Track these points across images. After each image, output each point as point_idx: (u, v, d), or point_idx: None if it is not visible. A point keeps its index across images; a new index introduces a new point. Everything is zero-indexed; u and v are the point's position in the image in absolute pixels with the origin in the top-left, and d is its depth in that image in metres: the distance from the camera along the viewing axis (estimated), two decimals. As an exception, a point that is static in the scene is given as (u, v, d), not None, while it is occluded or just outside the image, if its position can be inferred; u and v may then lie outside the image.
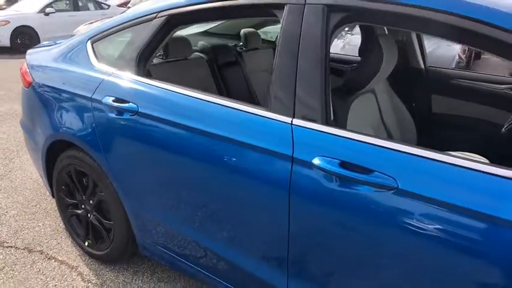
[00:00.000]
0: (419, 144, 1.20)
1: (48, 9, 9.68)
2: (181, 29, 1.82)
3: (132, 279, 2.06)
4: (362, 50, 1.89)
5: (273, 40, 2.98)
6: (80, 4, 10.55)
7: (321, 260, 1.28)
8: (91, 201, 2.07)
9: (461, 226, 1.00)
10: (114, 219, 1.97)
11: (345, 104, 1.48)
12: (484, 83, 2.25)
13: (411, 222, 1.06)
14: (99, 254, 2.13)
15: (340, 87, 1.57)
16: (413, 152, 1.08)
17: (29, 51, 2.48)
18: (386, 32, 1.99)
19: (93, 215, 2.09)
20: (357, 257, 1.19)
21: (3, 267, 2.10)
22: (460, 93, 2.29)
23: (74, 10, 10.29)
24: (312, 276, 1.33)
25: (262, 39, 3.00)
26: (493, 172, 0.99)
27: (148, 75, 1.85)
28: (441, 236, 1.02)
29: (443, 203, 1.02)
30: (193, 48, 2.43)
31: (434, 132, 2.33)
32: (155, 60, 2.16)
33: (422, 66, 2.41)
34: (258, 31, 3.03)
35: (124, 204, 1.87)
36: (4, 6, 10.72)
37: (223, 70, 2.45)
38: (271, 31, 3.10)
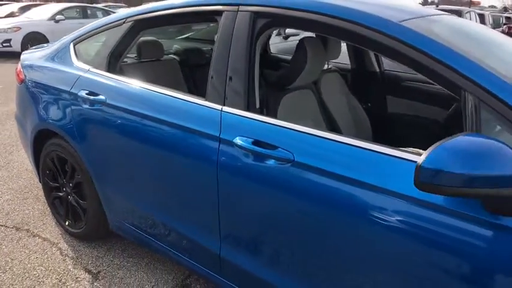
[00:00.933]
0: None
1: (58, 17, 10.15)
2: (147, 32, 2.09)
3: (104, 254, 2.31)
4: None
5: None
6: (89, 12, 11.02)
7: (244, 223, 1.51)
8: (70, 184, 2.33)
9: (345, 194, 1.22)
10: (88, 200, 2.23)
11: (276, 96, 1.72)
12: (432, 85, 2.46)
13: (305, 189, 1.29)
14: (77, 232, 2.39)
15: (273, 82, 1.81)
16: (307, 132, 1.32)
17: (24, 52, 2.78)
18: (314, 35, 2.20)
19: (72, 196, 2.35)
20: (269, 218, 1.42)
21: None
22: (412, 94, 2.50)
23: (83, 18, 10.74)
24: (238, 237, 1.56)
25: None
26: (374, 149, 1.21)
27: (120, 72, 2.12)
28: (329, 201, 1.25)
29: (330, 173, 1.25)
30: (169, 51, 2.70)
31: (389, 131, 2.54)
32: (129, 61, 2.44)
33: (378, 70, 2.64)
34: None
35: (96, 186, 2.13)
36: (17, 14, 11.23)
37: (195, 71, 2.71)
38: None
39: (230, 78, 1.55)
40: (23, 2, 24.43)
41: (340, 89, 2.40)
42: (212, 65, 1.61)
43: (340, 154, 1.24)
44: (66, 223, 2.45)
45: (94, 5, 13.97)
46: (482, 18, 11.81)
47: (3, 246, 2.34)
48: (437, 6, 9.83)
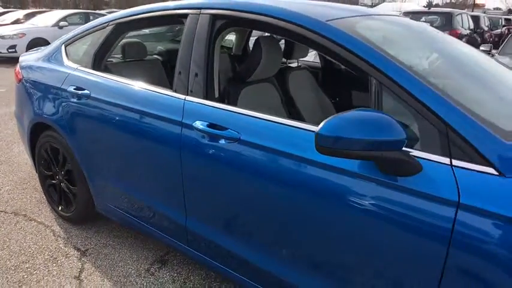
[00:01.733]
0: None
1: (62, 23, 10.50)
2: (127, 34, 2.34)
3: (93, 235, 2.56)
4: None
5: (230, 46, 3.48)
6: (92, 18, 11.34)
7: (203, 196, 1.75)
8: (62, 172, 2.59)
9: (277, 164, 1.45)
10: (77, 186, 2.48)
11: (236, 88, 1.95)
12: None
13: (249, 162, 1.53)
14: (68, 215, 2.64)
15: (234, 76, 2.05)
16: (251, 115, 1.56)
17: (22, 54, 3.05)
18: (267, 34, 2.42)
19: (64, 183, 2.60)
20: (223, 190, 1.65)
21: (-7, 225, 2.63)
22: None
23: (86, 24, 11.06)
24: (199, 209, 1.80)
25: (222, 46, 3.51)
26: (296, 125, 1.45)
27: (105, 70, 2.37)
28: (267, 170, 1.48)
29: (268, 148, 1.48)
30: (154, 52, 2.96)
31: None
32: (115, 60, 2.69)
33: (343, 67, 2.87)
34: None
35: (84, 172, 2.37)
36: (22, 20, 11.61)
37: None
38: (228, 39, 3.60)
39: (193, 72, 1.79)
40: (29, 8, 25.01)
41: (309, 85, 2.64)
42: (178, 61, 1.86)
43: (274, 131, 1.47)
44: (59, 208, 2.70)
45: (97, 11, 14.35)
46: (476, 20, 11.99)
47: (2, 229, 2.60)
48: (429, 8, 10.04)
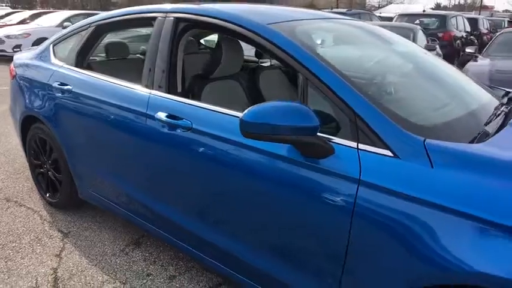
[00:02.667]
0: None
1: (66, 23, 10.77)
2: (107, 34, 2.56)
3: (76, 219, 2.77)
4: None
5: (213, 47, 3.69)
6: (95, 19, 11.63)
7: (164, 179, 1.95)
8: (49, 161, 2.81)
9: (223, 149, 1.65)
10: (62, 173, 2.70)
11: (200, 84, 2.15)
12: None
13: (200, 148, 1.73)
14: (55, 201, 2.86)
15: (198, 74, 2.26)
16: (202, 106, 1.76)
17: (16, 53, 3.29)
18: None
19: (51, 171, 2.83)
20: (180, 173, 1.86)
21: (-14, 209, 2.86)
22: None
23: (89, 24, 11.34)
24: (162, 191, 2.00)
25: (205, 46, 3.73)
26: (233, 114, 1.65)
27: (88, 68, 2.59)
28: (214, 154, 1.68)
29: (213, 135, 1.68)
30: (138, 51, 3.17)
31: None
32: (98, 58, 2.92)
33: None
34: (203, 39, 3.78)
35: (67, 160, 2.59)
36: (28, 21, 11.94)
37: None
38: (211, 39, 3.80)
39: (158, 69, 2.00)
40: (37, 9, 25.49)
41: (280, 84, 2.83)
42: (146, 59, 2.07)
43: (218, 120, 1.68)
44: (47, 195, 2.93)
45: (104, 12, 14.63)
46: (474, 23, 12.09)
47: (-6, 213, 2.83)
48: (424, 11, 10.19)
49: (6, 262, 2.29)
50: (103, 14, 2.50)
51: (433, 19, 9.13)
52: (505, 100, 1.88)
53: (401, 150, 1.28)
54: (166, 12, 2.06)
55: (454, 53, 8.59)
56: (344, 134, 1.40)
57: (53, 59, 2.71)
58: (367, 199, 1.29)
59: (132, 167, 2.12)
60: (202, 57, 3.55)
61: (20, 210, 2.89)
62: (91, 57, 2.74)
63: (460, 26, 9.85)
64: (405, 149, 1.28)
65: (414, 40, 6.44)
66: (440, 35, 8.86)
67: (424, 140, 1.28)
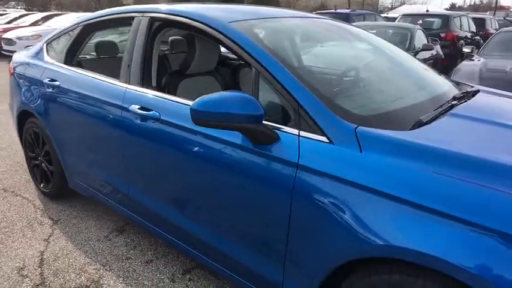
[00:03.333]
0: None
1: (75, 25, 11.07)
2: (94, 33, 2.72)
3: (66, 208, 2.94)
4: None
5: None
6: (104, 20, 11.91)
7: (137, 166, 2.09)
8: (42, 153, 2.98)
9: (184, 137, 1.78)
10: (53, 165, 2.87)
11: (176, 80, 2.29)
12: None
13: (167, 137, 1.86)
14: (48, 191, 3.03)
15: (175, 70, 2.39)
16: (169, 99, 1.90)
17: (16, 52, 3.48)
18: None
19: (44, 163, 3.00)
20: (151, 161, 1.99)
21: (-16, 198, 3.05)
22: None
23: (98, 26, 11.63)
24: (135, 178, 2.14)
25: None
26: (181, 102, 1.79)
27: (78, 65, 2.75)
28: (177, 142, 1.81)
29: (179, 125, 1.81)
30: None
31: None
32: (89, 56, 3.08)
33: None
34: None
35: (57, 152, 2.76)
36: (40, 22, 12.28)
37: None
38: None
39: (134, 65, 2.14)
40: (51, 11, 26.06)
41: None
42: (124, 55, 2.22)
43: (181, 110, 1.81)
44: (41, 185, 3.10)
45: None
46: (482, 23, 12.01)
47: (-9, 201, 3.02)
48: (427, 11, 10.17)
49: (-3, 245, 2.47)
50: (89, 15, 2.66)
51: (436, 19, 9.13)
52: (458, 94, 1.96)
53: (335, 136, 1.39)
54: (143, 12, 2.20)
55: (457, 52, 8.57)
56: (290, 122, 1.52)
57: (45, 57, 2.88)
58: (304, 181, 1.40)
59: (111, 157, 2.27)
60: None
61: (16, 199, 3.07)
62: (81, 56, 2.90)
63: (464, 26, 9.81)
64: (339, 135, 1.39)
65: (411, 39, 6.48)
66: (442, 35, 8.85)
67: (356, 128, 1.38)
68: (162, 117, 1.88)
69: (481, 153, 1.27)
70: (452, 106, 1.72)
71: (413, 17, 9.59)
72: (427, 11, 10.29)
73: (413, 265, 1.20)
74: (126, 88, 2.13)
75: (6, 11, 19.16)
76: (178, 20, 2.02)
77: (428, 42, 7.48)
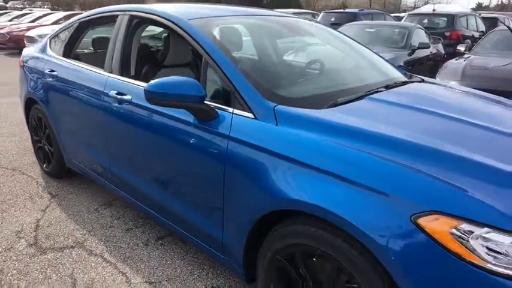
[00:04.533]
0: None
1: (93, 24, 11.62)
2: (88, 30, 3.08)
3: (65, 185, 3.31)
4: None
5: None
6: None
7: (115, 143, 2.42)
8: (45, 136, 3.37)
9: (147, 116, 2.10)
10: (53, 146, 3.25)
11: (154, 71, 2.61)
12: None
13: (136, 118, 2.18)
14: (49, 171, 3.42)
15: (153, 63, 2.71)
16: (139, 84, 2.22)
17: (25, 48, 3.89)
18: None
19: (46, 145, 3.38)
20: (126, 139, 2.32)
21: (-5, 175, 3.47)
22: None
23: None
24: (114, 154, 2.47)
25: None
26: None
27: (75, 58, 3.11)
28: (143, 121, 2.13)
29: (144, 106, 2.12)
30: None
31: None
32: (87, 51, 3.45)
33: None
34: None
35: (56, 135, 3.13)
36: (62, 21, 12.90)
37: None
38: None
39: (116, 56, 2.48)
40: (76, 10, 27.03)
41: None
42: (108, 49, 2.55)
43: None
44: (44, 165, 3.49)
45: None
46: (493, 23, 11.93)
47: (1, 179, 3.42)
48: (434, 10, 10.21)
49: (1, 213, 2.85)
50: (85, 13, 3.02)
51: (442, 19, 9.20)
52: (393, 82, 2.21)
53: (259, 113, 1.68)
54: (125, 11, 2.54)
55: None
56: (228, 103, 1.81)
57: (48, 51, 3.26)
58: (233, 150, 1.69)
59: (97, 137, 2.61)
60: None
61: (22, 177, 3.46)
62: (80, 50, 3.27)
63: (471, 25, 9.82)
64: (261, 112, 1.67)
65: (408, 38, 6.64)
66: (447, 34, 8.93)
67: (275, 106, 1.67)
68: (133, 100, 2.20)
69: (371, 127, 1.54)
70: (378, 91, 1.98)
71: (419, 17, 9.68)
72: (434, 10, 10.35)
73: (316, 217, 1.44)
74: (108, 76, 2.46)
75: (32, 10, 20.10)
76: (151, 18, 2.34)
77: (430, 40, 7.61)
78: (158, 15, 2.27)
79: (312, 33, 2.59)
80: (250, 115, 1.70)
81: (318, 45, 2.48)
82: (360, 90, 2.00)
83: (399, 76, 2.48)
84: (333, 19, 10.57)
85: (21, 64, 3.60)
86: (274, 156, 1.56)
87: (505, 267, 1.13)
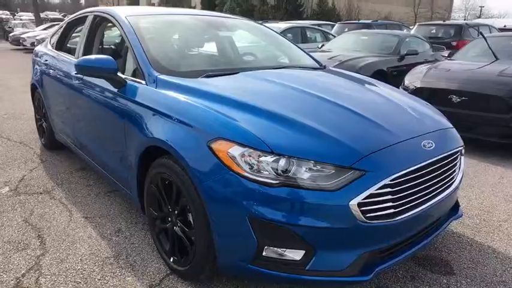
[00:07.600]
0: None
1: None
2: (74, 28, 3.84)
3: (55, 154, 4.07)
4: None
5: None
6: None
7: (75, 114, 3.11)
8: (42, 114, 4.15)
9: (89, 88, 2.75)
10: (47, 122, 4.02)
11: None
12: None
13: (84, 91, 2.85)
14: (44, 143, 4.21)
15: (111, 52, 3.39)
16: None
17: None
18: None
19: (44, 122, 4.17)
20: (79, 109, 3.00)
21: (5, 149, 4.29)
22: None
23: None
24: (75, 123, 3.16)
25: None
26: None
27: (67, 51, 3.88)
28: (88, 93, 2.79)
29: (87, 81, 2.79)
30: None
31: None
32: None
33: None
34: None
35: (48, 113, 3.89)
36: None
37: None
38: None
39: (82, 46, 3.18)
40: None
41: None
42: (78, 41, 3.27)
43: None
44: (42, 139, 4.28)
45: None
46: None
47: (7, 148, 4.24)
48: (444, 21, 10.27)
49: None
50: (73, 15, 3.79)
51: (449, 28, 9.36)
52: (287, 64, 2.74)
53: (148, 80, 2.28)
54: (91, 12, 3.25)
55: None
56: (135, 75, 2.42)
57: (48, 45, 4.06)
58: (129, 108, 2.30)
59: (67, 111, 3.32)
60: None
61: (24, 148, 4.27)
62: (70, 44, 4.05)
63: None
64: (149, 79, 2.27)
65: (398, 45, 6.98)
66: (454, 43, 9.09)
67: (157, 75, 2.26)
68: (84, 78, 2.88)
69: (218, 90, 2.09)
70: (264, 70, 2.54)
71: (427, 27, 9.89)
72: (444, 21, 10.47)
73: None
74: (75, 62, 3.17)
75: (47, 15, 22.64)
76: (105, 17, 3.02)
77: (430, 48, 7.88)
78: (108, 14, 2.95)
79: (232, 29, 3.17)
80: (143, 82, 2.31)
81: (232, 37, 3.06)
82: (248, 69, 2.55)
83: (311, 64, 3.00)
84: (346, 29, 10.99)
85: (33, 58, 4.45)
86: (150, 110, 2.15)
87: (256, 175, 1.64)
